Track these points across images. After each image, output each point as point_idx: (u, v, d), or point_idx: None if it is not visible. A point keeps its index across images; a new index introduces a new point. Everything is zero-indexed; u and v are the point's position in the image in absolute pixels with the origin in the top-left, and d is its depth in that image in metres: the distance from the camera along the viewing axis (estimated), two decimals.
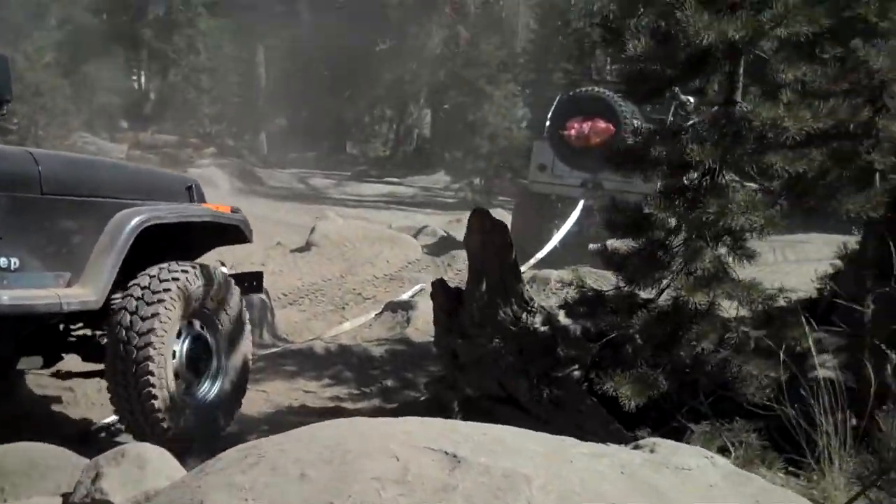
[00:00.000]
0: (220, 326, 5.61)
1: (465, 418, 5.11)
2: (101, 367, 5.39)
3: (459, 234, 15.82)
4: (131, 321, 5.08)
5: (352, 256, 12.16)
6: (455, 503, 2.78)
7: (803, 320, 4.87)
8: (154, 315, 5.08)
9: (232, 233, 6.03)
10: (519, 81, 27.00)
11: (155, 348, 5.04)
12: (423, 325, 8.56)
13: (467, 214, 17.33)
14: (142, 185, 5.69)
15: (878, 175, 5.18)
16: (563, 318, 5.78)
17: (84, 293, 4.94)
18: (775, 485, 3.58)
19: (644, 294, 5.25)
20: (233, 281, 5.74)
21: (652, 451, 3.42)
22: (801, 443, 4.40)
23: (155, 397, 5.06)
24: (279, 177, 24.66)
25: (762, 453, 4.48)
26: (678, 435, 4.75)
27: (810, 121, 4.64)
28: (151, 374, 5.04)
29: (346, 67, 30.04)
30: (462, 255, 12.99)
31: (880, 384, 5.16)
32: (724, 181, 4.88)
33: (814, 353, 4.76)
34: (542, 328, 5.54)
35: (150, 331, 5.04)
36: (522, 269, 12.69)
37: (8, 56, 4.94)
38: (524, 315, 5.49)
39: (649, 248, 5.06)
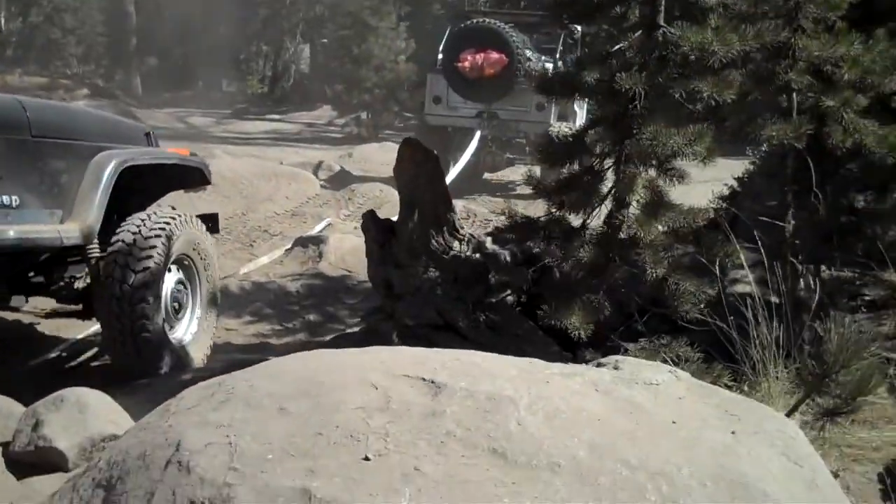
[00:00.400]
0: (195, 270, 6.03)
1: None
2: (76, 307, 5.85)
3: (354, 168, 15.79)
4: (125, 267, 5.40)
5: (250, 194, 11.92)
6: (445, 427, 2.78)
7: (733, 238, 5.02)
8: (148, 260, 5.44)
9: (193, 176, 6.48)
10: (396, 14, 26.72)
11: (149, 292, 5.42)
12: (335, 260, 8.52)
13: (357, 149, 17.24)
14: (110, 131, 5.96)
15: (794, 94, 5.34)
16: (489, 245, 5.83)
17: (77, 228, 5.27)
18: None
19: (573, 219, 5.32)
20: (205, 227, 6.09)
21: (615, 367, 3.48)
22: (734, 355, 4.57)
23: (148, 338, 5.46)
24: (157, 116, 23.84)
25: (705, 367, 4.62)
26: (615, 354, 4.87)
27: (737, 44, 4.72)
28: (146, 317, 5.43)
29: (218, 4, 29.15)
30: (361, 189, 12.94)
31: (798, 297, 5.40)
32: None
33: (746, 268, 4.92)
34: (474, 256, 5.58)
35: (145, 277, 5.41)
36: None
37: None
38: (455, 244, 5.51)
39: (584, 175, 5.11)
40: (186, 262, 5.95)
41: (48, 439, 4.14)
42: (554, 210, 5.27)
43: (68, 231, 5.23)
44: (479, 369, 3.19)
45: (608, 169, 5.16)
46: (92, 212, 5.34)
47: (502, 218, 5.78)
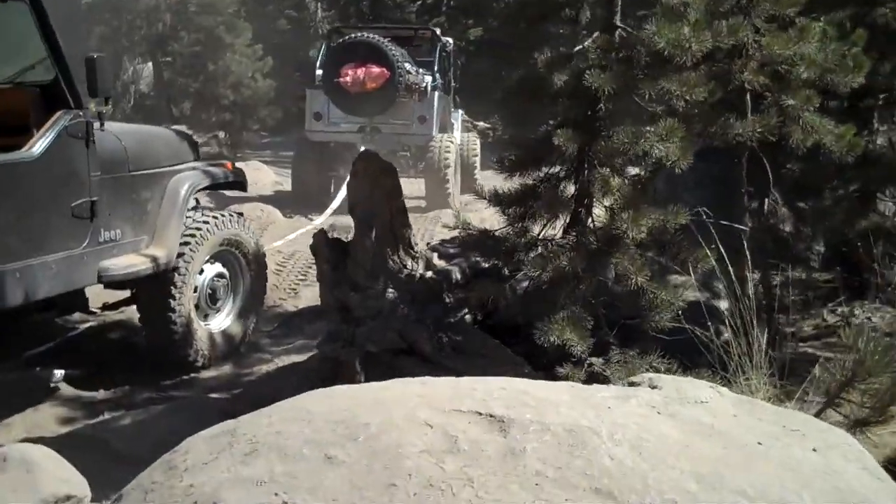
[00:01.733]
0: (238, 265, 6.65)
1: (367, 375, 4.77)
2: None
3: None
4: None
5: None
6: (533, 467, 2.47)
7: (701, 241, 4.86)
8: (180, 258, 6.04)
9: (235, 186, 7.37)
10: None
11: (177, 286, 6.03)
12: None
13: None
14: (174, 149, 6.52)
15: (748, 96, 5.25)
16: (436, 260, 5.55)
17: (163, 254, 5.92)
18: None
19: (536, 230, 5.08)
20: (250, 224, 6.87)
21: (653, 387, 3.25)
22: (709, 363, 4.41)
23: (175, 323, 6.04)
24: None
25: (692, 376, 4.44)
26: (580, 370, 4.64)
27: (709, 41, 4.57)
28: (173, 310, 6.01)
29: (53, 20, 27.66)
30: (243, 208, 12.33)
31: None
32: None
33: (719, 274, 4.76)
34: (426, 274, 5.28)
35: (176, 269, 6.01)
36: (320, 219, 12.30)
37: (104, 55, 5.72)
38: (409, 261, 5.19)
39: (547, 181, 4.88)
40: (226, 257, 6.54)
41: None
42: (514, 222, 5.02)
43: (159, 259, 5.84)
44: (532, 397, 2.90)
45: (571, 174, 4.95)
46: (173, 237, 5.98)
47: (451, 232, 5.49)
